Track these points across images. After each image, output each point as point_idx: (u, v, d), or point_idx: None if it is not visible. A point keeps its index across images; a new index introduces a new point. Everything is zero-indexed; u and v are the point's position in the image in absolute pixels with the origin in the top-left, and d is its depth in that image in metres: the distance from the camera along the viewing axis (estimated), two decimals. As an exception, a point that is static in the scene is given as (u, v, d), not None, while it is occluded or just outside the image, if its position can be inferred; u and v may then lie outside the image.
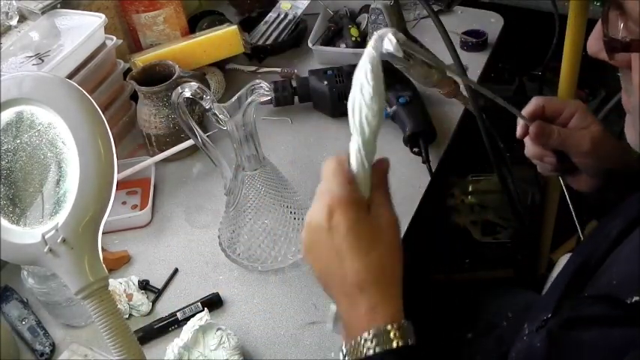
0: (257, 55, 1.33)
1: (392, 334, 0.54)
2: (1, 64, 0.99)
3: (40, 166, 0.70)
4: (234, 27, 1.20)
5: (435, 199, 1.04)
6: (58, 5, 1.11)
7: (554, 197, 1.41)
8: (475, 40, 1.28)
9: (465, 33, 1.30)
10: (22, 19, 1.11)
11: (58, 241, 0.65)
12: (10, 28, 1.09)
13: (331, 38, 1.33)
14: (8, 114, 0.71)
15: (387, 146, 1.09)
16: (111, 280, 0.86)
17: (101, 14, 1.07)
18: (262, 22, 1.39)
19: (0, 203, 0.70)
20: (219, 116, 0.80)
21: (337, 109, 1.15)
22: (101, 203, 0.67)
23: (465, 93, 1.02)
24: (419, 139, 1.04)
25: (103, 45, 1.09)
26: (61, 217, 0.67)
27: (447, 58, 0.94)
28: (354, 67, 1.23)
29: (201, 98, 0.79)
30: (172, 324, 0.85)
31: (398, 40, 0.62)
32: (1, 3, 1.07)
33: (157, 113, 1.06)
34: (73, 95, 0.69)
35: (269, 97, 0.80)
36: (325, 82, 1.13)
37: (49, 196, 0.69)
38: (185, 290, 0.90)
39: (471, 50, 1.28)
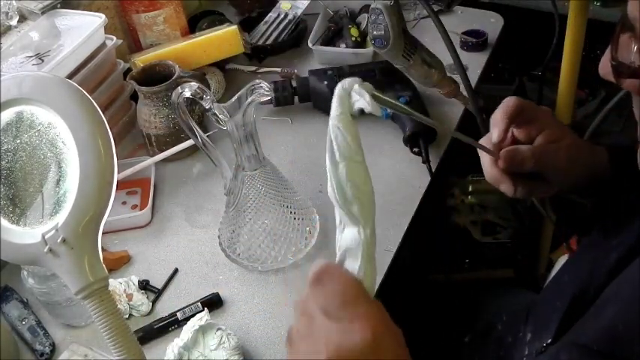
0: (257, 55, 1.33)
1: None
2: (1, 64, 0.99)
3: (40, 166, 0.70)
4: (234, 27, 1.20)
5: (435, 199, 1.04)
6: (58, 5, 1.11)
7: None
8: (475, 40, 1.28)
9: (465, 33, 1.30)
10: (22, 19, 1.11)
11: (58, 241, 0.65)
12: (10, 28, 1.09)
13: (331, 38, 1.33)
14: (8, 114, 0.71)
15: (387, 146, 1.09)
16: (111, 280, 0.86)
17: (101, 14, 1.07)
18: (262, 22, 1.39)
19: (0, 203, 0.70)
20: (219, 116, 0.80)
21: (337, 109, 1.15)
22: (101, 203, 0.67)
23: (464, 93, 1.02)
24: (419, 139, 1.04)
25: (103, 45, 1.09)
26: (61, 217, 0.67)
27: (447, 58, 0.94)
28: (354, 67, 1.24)
29: (201, 98, 0.79)
30: (172, 324, 0.85)
31: (371, 95, 0.53)
32: (1, 3, 1.07)
33: (157, 113, 1.06)
34: (73, 95, 0.69)
35: (269, 97, 0.80)
36: (325, 82, 1.13)
37: (49, 196, 0.69)
38: (185, 290, 0.90)
39: (471, 50, 1.28)
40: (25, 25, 1.10)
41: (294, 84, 1.17)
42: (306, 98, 1.17)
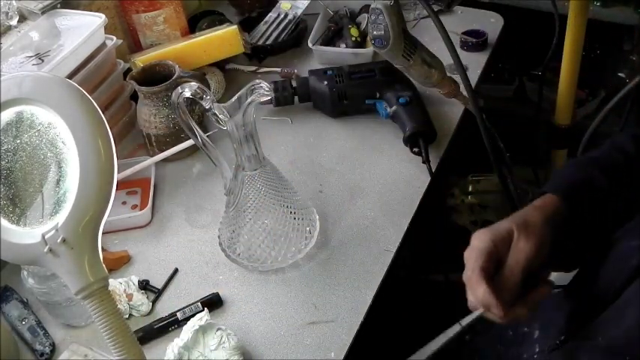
0: (257, 55, 1.33)
1: None
2: (1, 64, 0.99)
3: (40, 166, 0.70)
4: (234, 27, 1.20)
5: (435, 199, 1.04)
6: (58, 5, 1.11)
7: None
8: (475, 40, 1.28)
9: (465, 33, 1.30)
10: (22, 19, 1.11)
11: (58, 241, 0.65)
12: (10, 28, 1.10)
13: (331, 38, 1.33)
14: (8, 114, 0.71)
15: (387, 146, 1.09)
16: (111, 280, 0.86)
17: (101, 14, 1.07)
18: (262, 22, 1.39)
19: (0, 203, 0.70)
20: (219, 116, 0.80)
21: (337, 109, 1.15)
22: (101, 203, 0.67)
23: (464, 93, 1.02)
24: (419, 139, 1.04)
25: (103, 45, 1.09)
26: (61, 217, 0.67)
27: (447, 58, 0.94)
28: (354, 67, 1.24)
29: (201, 98, 0.79)
30: (172, 324, 0.85)
31: None
32: (1, 3, 1.07)
33: (157, 113, 1.06)
34: (73, 95, 0.69)
35: (269, 97, 0.80)
36: (325, 82, 1.13)
37: (49, 196, 0.69)
38: (185, 290, 0.90)
39: (471, 50, 1.28)
40: (25, 25, 1.10)
41: (294, 84, 1.17)
42: (306, 98, 1.17)
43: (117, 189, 0.69)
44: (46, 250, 0.66)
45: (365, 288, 0.87)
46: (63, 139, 0.68)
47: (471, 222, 1.61)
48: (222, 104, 0.80)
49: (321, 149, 1.11)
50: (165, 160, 1.08)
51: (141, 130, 1.10)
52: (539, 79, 1.35)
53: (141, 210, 1.01)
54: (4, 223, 0.70)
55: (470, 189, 1.66)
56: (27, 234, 0.69)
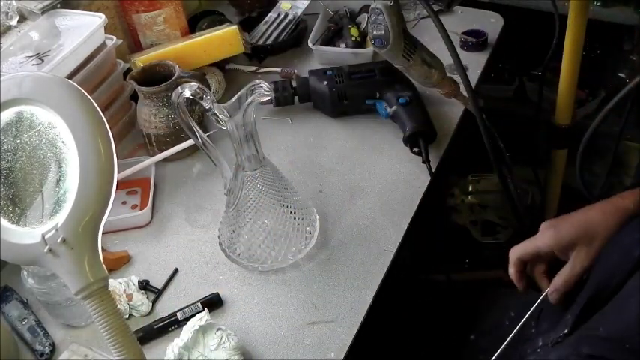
0: (257, 55, 1.33)
1: None
2: (1, 64, 0.99)
3: (40, 166, 0.70)
4: (234, 27, 1.20)
5: (435, 199, 1.04)
6: (58, 5, 1.11)
7: (554, 197, 1.41)
8: (475, 40, 1.28)
9: (465, 33, 1.30)
10: (22, 19, 1.11)
11: (58, 241, 0.65)
12: (10, 28, 1.10)
13: (331, 38, 1.33)
14: (8, 114, 0.71)
15: (387, 146, 1.09)
16: (111, 280, 0.86)
17: (101, 14, 1.07)
18: (262, 22, 1.39)
19: (0, 203, 0.70)
20: (219, 116, 0.80)
21: (337, 109, 1.15)
22: (101, 203, 0.67)
23: (464, 93, 1.02)
24: (419, 139, 1.04)
25: (103, 45, 1.09)
26: (61, 217, 0.67)
27: (447, 58, 0.94)
28: (354, 67, 1.24)
29: (201, 98, 0.79)
30: (172, 324, 0.85)
31: None
32: (1, 3, 1.07)
33: (157, 113, 1.06)
34: (73, 95, 0.69)
35: (269, 97, 0.80)
36: (325, 82, 1.13)
37: (49, 196, 0.69)
38: (185, 290, 0.90)
39: (471, 50, 1.28)
40: (25, 25, 1.10)
41: (294, 84, 1.17)
42: (306, 98, 1.17)
43: (117, 189, 0.69)
44: (46, 250, 0.66)
45: (365, 288, 0.87)
46: (63, 139, 0.68)
47: (471, 222, 1.61)
48: (222, 104, 0.80)
49: (321, 149, 1.11)
50: (165, 160, 1.08)
51: (141, 130, 1.10)
52: (539, 79, 1.35)
53: (141, 210, 1.01)
54: (4, 223, 0.70)
55: (470, 189, 1.66)
56: (27, 234, 0.69)
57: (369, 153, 1.08)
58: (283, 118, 1.18)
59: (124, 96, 1.16)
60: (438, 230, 1.55)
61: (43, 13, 1.09)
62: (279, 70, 1.29)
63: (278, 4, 1.40)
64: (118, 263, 0.94)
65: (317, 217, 0.95)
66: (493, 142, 0.96)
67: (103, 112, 0.69)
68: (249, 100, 0.78)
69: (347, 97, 1.13)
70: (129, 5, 1.22)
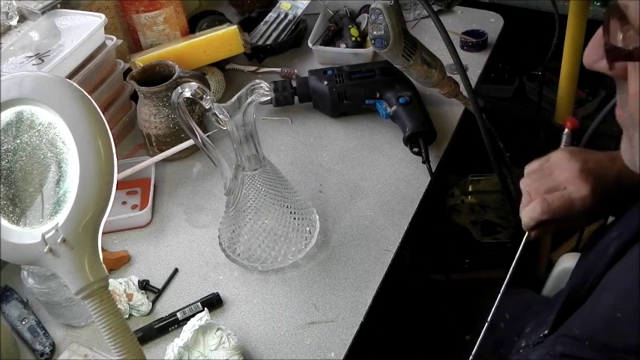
0: (257, 55, 1.33)
1: None
2: (1, 64, 0.99)
3: (40, 166, 0.70)
4: (234, 27, 1.20)
5: (435, 199, 1.04)
6: (58, 5, 1.11)
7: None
8: (475, 40, 1.28)
9: (465, 33, 1.30)
10: (22, 19, 1.11)
11: (58, 241, 0.65)
12: (10, 28, 1.10)
13: (331, 38, 1.33)
14: (8, 114, 0.71)
15: (387, 146, 1.09)
16: (111, 280, 0.86)
17: (101, 14, 1.07)
18: (262, 22, 1.39)
19: (0, 203, 0.70)
20: (219, 116, 0.80)
21: (337, 109, 1.15)
22: (101, 203, 0.67)
23: (465, 93, 1.02)
24: (419, 139, 1.04)
25: (103, 45, 1.09)
26: (61, 217, 0.67)
27: (447, 58, 0.94)
28: (354, 67, 1.24)
29: (201, 98, 0.79)
30: (172, 324, 0.85)
31: None
32: (1, 3, 1.07)
33: (157, 113, 1.06)
34: (73, 95, 0.68)
35: (269, 97, 0.80)
36: (325, 82, 1.13)
37: (49, 196, 0.69)
38: (185, 290, 0.90)
39: (471, 50, 1.28)
40: (25, 25, 1.10)
41: (294, 84, 1.17)
42: (306, 98, 1.17)
43: (117, 189, 0.68)
44: (46, 250, 0.66)
45: (365, 288, 0.87)
46: (63, 139, 0.68)
47: (471, 222, 1.61)
48: (222, 104, 0.80)
49: (321, 149, 1.11)
50: (165, 160, 1.08)
51: (141, 130, 1.10)
52: (539, 79, 1.35)
53: (141, 210, 1.01)
54: (4, 223, 0.70)
55: (470, 189, 1.66)
56: (27, 234, 0.69)
57: (369, 153, 1.08)
58: (283, 118, 1.18)
59: (124, 96, 1.16)
60: (438, 230, 1.55)
61: (43, 13, 1.09)
62: (279, 70, 1.29)
63: (278, 4, 1.40)
64: (118, 263, 0.94)
65: (317, 217, 0.95)
66: (493, 142, 0.96)
67: (103, 112, 0.69)
68: (249, 100, 0.78)
69: (347, 97, 1.13)
70: (129, 5, 1.22)
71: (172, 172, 1.10)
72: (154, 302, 0.89)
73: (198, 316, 0.81)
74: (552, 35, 1.19)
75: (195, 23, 1.34)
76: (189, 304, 0.86)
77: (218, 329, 0.80)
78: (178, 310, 0.86)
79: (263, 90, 0.78)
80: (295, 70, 1.28)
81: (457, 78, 1.02)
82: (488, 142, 0.94)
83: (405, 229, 0.95)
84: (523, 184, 0.77)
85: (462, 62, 0.91)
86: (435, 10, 0.92)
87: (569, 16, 1.15)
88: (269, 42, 1.35)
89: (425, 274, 1.43)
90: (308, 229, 0.93)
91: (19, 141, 0.70)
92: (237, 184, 0.87)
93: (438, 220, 1.58)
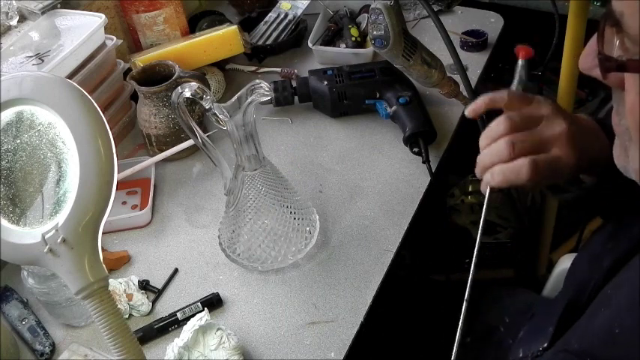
0: (257, 55, 1.33)
1: None
2: (1, 64, 0.99)
3: (40, 166, 0.70)
4: (234, 27, 1.20)
5: (435, 199, 1.04)
6: (58, 5, 1.11)
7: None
8: (475, 40, 1.28)
9: (465, 33, 1.30)
10: (22, 19, 1.11)
11: (58, 241, 0.65)
12: (10, 28, 1.10)
13: (331, 38, 1.33)
14: (8, 114, 0.71)
15: (387, 146, 1.09)
16: (111, 280, 0.86)
17: (101, 14, 1.07)
18: (262, 22, 1.39)
19: (0, 203, 0.70)
20: (219, 116, 0.80)
21: (337, 109, 1.15)
22: (101, 203, 0.67)
23: (464, 93, 1.02)
24: (419, 139, 1.04)
25: (103, 45, 1.09)
26: (61, 217, 0.67)
27: (447, 58, 0.94)
28: (354, 67, 1.24)
29: (201, 98, 0.79)
30: (172, 324, 0.85)
31: None
32: (1, 3, 1.07)
33: (157, 113, 1.06)
34: (73, 95, 0.68)
35: (269, 97, 0.80)
36: (325, 82, 1.13)
37: (49, 196, 0.69)
38: (185, 290, 0.90)
39: (471, 50, 1.28)
40: (25, 25, 1.10)
41: (294, 84, 1.17)
42: (306, 98, 1.17)
43: (117, 189, 0.69)
44: (46, 250, 0.66)
45: (365, 288, 0.87)
46: (63, 139, 0.68)
47: (471, 222, 1.61)
48: (222, 104, 0.80)
49: (321, 149, 1.11)
50: (165, 160, 1.08)
51: (141, 130, 1.10)
52: (539, 79, 1.35)
53: (141, 210, 1.01)
54: (4, 223, 0.70)
55: (470, 189, 1.66)
56: (27, 234, 0.69)
57: (369, 153, 1.08)
58: (283, 118, 1.18)
59: (124, 96, 1.16)
60: (438, 230, 1.55)
61: (43, 13, 1.09)
62: (279, 70, 1.29)
63: (278, 4, 1.40)
64: (118, 263, 0.94)
65: (317, 217, 0.95)
66: (493, 142, 0.96)
67: (103, 112, 0.69)
68: (249, 100, 0.78)
69: (347, 97, 1.13)
70: (129, 5, 1.22)
71: (172, 172, 1.10)
72: (154, 302, 0.89)
73: (198, 316, 0.81)
74: (552, 35, 1.19)
75: (195, 23, 1.34)
76: (189, 304, 0.86)
77: (218, 329, 0.80)
78: (178, 310, 0.86)
79: (263, 90, 0.78)
80: (295, 70, 1.28)
81: (457, 78, 1.02)
82: (488, 142, 0.94)
83: (405, 229, 0.95)
84: (505, 128, 0.66)
85: (462, 62, 0.91)
86: (435, 10, 0.92)
87: (569, 16, 1.15)
88: (269, 42, 1.35)
89: (425, 274, 1.43)
90: (308, 229, 0.93)
91: (19, 141, 0.70)
92: (237, 184, 0.87)
93: (438, 220, 1.58)
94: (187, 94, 0.79)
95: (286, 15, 1.39)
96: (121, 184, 1.00)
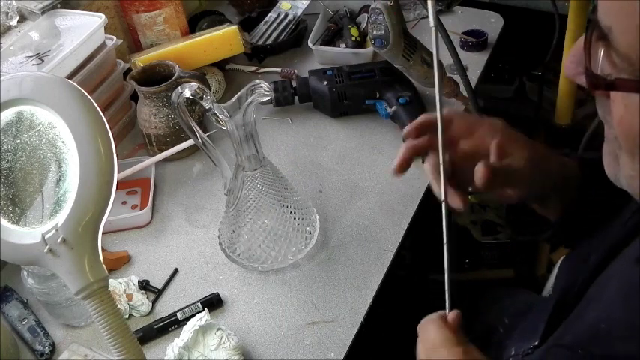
0: (257, 55, 1.33)
1: None
2: (1, 64, 0.99)
3: (40, 166, 0.70)
4: (234, 27, 1.20)
5: (435, 199, 1.04)
6: (58, 5, 1.11)
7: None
8: (475, 40, 1.28)
9: (465, 33, 1.30)
10: (22, 19, 1.11)
11: (58, 241, 0.65)
12: (10, 28, 1.10)
13: (331, 38, 1.33)
14: (8, 114, 0.71)
15: (387, 146, 1.09)
16: (111, 280, 0.86)
17: (101, 14, 1.07)
18: (262, 22, 1.39)
19: (0, 203, 0.70)
20: (219, 116, 0.80)
21: (337, 109, 1.15)
22: (101, 203, 0.67)
23: (465, 93, 1.02)
24: (419, 139, 1.04)
25: (103, 45, 1.09)
26: (61, 217, 0.67)
27: (447, 58, 0.94)
28: (354, 67, 1.24)
29: (201, 98, 0.79)
30: (172, 324, 0.85)
31: None
32: (1, 3, 1.07)
33: (157, 113, 1.06)
34: (73, 95, 0.68)
35: (269, 97, 0.80)
36: (325, 82, 1.13)
37: (49, 196, 0.69)
38: (185, 290, 0.90)
39: (471, 50, 1.28)
40: (25, 25, 1.10)
41: (294, 84, 1.17)
42: (306, 98, 1.17)
43: (117, 189, 0.69)
44: (46, 250, 0.66)
45: (365, 288, 0.87)
46: (63, 139, 0.68)
47: (471, 222, 1.61)
48: (222, 104, 0.80)
49: (321, 149, 1.11)
50: (165, 160, 1.08)
51: (141, 130, 1.10)
52: (539, 79, 1.35)
53: (141, 210, 1.01)
54: (4, 223, 0.70)
55: (470, 189, 1.66)
56: (27, 234, 0.69)
57: (369, 153, 1.08)
58: (283, 118, 1.18)
59: (124, 96, 1.16)
60: (438, 230, 1.55)
61: (43, 13, 1.09)
62: (279, 70, 1.29)
63: (278, 4, 1.40)
64: (118, 263, 0.94)
65: (317, 217, 0.95)
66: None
67: (103, 112, 0.69)
68: (249, 100, 0.78)
69: (347, 97, 1.13)
70: (129, 5, 1.22)
71: (172, 172, 1.10)
72: (154, 302, 0.89)
73: (198, 316, 0.81)
74: (552, 35, 1.19)
75: (195, 23, 1.34)
76: (189, 304, 0.86)
77: (218, 329, 0.80)
78: (178, 310, 0.86)
79: (263, 90, 0.78)
80: (295, 70, 1.28)
81: (457, 78, 1.02)
82: (488, 142, 0.94)
83: (405, 229, 0.95)
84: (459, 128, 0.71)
85: (462, 62, 0.91)
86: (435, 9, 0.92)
87: (569, 16, 1.15)
88: (269, 42, 1.35)
89: (425, 274, 1.43)
90: (308, 229, 0.93)
91: (19, 141, 0.70)
92: (237, 184, 0.87)
93: (438, 220, 1.58)
94: (187, 94, 0.79)
95: (286, 15, 1.39)
96: (121, 184, 1.00)
